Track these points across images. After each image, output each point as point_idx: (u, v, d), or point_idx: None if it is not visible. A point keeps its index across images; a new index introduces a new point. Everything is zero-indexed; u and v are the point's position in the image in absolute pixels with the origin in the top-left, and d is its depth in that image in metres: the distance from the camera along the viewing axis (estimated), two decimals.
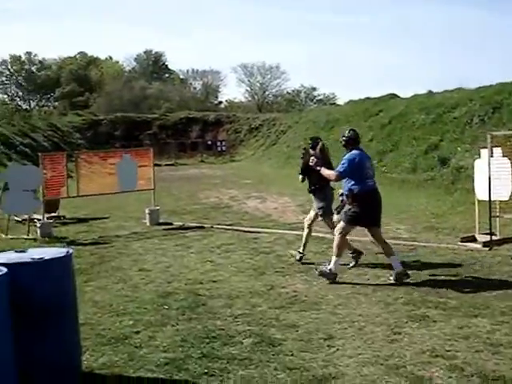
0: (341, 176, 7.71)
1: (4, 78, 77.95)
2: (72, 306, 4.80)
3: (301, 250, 9.06)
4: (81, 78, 73.20)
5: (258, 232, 11.62)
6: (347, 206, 7.64)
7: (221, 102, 77.26)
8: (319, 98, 74.12)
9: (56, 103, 74.60)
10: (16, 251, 4.92)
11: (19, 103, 77.16)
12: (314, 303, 6.78)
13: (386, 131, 24.32)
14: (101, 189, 13.24)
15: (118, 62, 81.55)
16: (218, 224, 12.82)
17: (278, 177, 26.97)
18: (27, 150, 29.95)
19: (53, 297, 4.51)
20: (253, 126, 46.12)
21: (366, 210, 7.51)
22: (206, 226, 12.71)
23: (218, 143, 43.47)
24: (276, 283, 7.73)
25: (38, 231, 11.95)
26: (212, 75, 76.01)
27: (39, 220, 13.74)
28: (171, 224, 13.05)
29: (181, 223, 13.16)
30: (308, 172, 8.73)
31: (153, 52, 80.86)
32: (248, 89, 74.29)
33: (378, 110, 27.65)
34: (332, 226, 8.51)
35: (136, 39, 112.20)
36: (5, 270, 4.15)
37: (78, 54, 79.93)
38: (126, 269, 8.81)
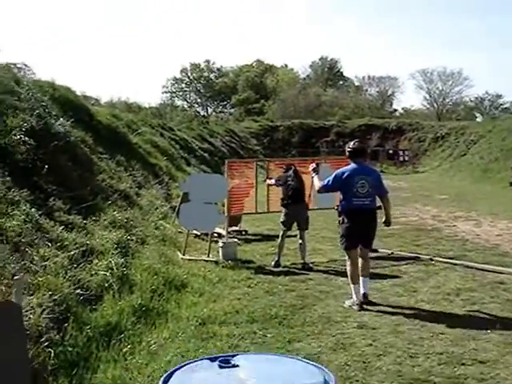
0: (324, 188, 7.44)
1: (184, 85, 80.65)
2: None
3: None
4: (257, 85, 73.78)
5: (501, 272, 8.72)
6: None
7: (396, 110, 74.37)
8: (505, 106, 68.68)
9: (232, 110, 75.79)
10: (222, 362, 2.64)
11: (197, 110, 79.52)
12: None
13: None
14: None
15: (293, 70, 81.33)
16: (438, 255, 10.08)
17: (477, 193, 23.52)
18: (205, 154, 29.13)
19: None
20: (438, 135, 42.48)
21: (351, 229, 7.15)
22: (422, 257, 10.03)
23: (401, 152, 40.43)
24: None
25: (220, 252, 10.06)
26: (389, 82, 73.24)
27: (220, 235, 11.98)
28: (376, 251, 10.55)
29: (389, 251, 10.62)
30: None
31: (328, 59, 79.55)
32: (426, 96, 70.57)
33: None
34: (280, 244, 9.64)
35: (310, 45, 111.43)
36: None
37: (255, 61, 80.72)
38: (339, 321, 6.46)
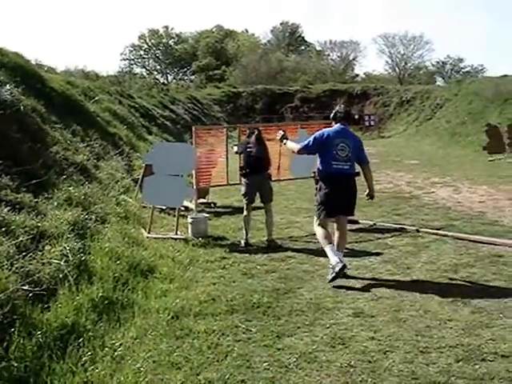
0: (303, 150, 7.06)
1: (142, 52, 78.63)
2: None
3: None
4: (217, 51, 72.40)
5: (495, 244, 8.05)
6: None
7: (358, 75, 73.94)
8: (466, 69, 68.88)
9: (192, 77, 74.19)
10: None
11: (157, 77, 77.60)
12: None
13: None
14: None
15: (254, 35, 79.90)
16: (423, 226, 9.39)
17: (448, 157, 23.04)
18: (167, 122, 27.93)
19: None
20: (404, 99, 41.90)
21: (330, 195, 6.71)
22: (407, 228, 9.32)
23: (366, 117, 39.63)
24: None
25: (190, 228, 9.18)
26: (351, 46, 72.60)
27: (188, 209, 11.08)
28: (357, 222, 9.81)
29: (370, 222, 9.89)
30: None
31: (289, 24, 78.22)
32: (388, 60, 70.29)
33: None
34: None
35: (272, 11, 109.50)
36: None
37: (215, 27, 79.04)
38: (331, 308, 5.67)
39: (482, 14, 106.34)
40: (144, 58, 78.98)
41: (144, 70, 79.14)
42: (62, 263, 5.66)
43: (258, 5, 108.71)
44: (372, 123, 39.32)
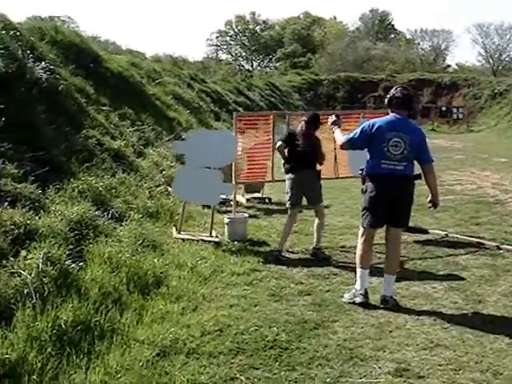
0: (347, 144, 5.73)
1: (228, 38, 78.04)
2: None
3: None
4: (303, 38, 70.92)
5: None
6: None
7: (449, 66, 70.46)
8: None
9: (277, 64, 73.00)
10: None
11: (242, 63, 76.98)
12: None
13: None
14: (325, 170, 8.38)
15: (341, 22, 77.72)
16: (507, 241, 7.74)
17: None
18: (240, 109, 26.81)
19: None
20: (496, 91, 38.95)
21: (376, 200, 5.39)
22: (486, 243, 7.70)
23: (454, 110, 37.17)
24: None
25: (226, 230, 7.97)
26: (442, 35, 69.10)
27: (228, 203, 9.89)
28: (426, 232, 8.27)
29: (442, 232, 8.32)
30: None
31: (379, 11, 75.63)
32: (482, 51, 66.31)
33: None
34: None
35: None
36: None
37: (302, 13, 77.48)
38: (367, 358, 4.27)
39: None
40: (230, 44, 78.56)
41: (230, 56, 78.64)
42: (32, 274, 4.55)
43: None
44: (460, 116, 36.83)
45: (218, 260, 6.76)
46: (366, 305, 5.34)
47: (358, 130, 5.62)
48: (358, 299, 5.41)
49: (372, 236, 5.61)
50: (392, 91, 5.63)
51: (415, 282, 6.02)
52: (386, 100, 5.63)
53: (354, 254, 6.85)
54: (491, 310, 5.24)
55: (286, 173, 7.38)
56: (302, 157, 7.21)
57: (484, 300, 5.49)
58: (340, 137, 5.88)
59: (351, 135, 5.67)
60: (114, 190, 7.77)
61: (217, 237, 7.78)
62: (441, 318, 5.03)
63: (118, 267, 5.47)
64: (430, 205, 5.67)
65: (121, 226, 6.86)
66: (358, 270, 5.56)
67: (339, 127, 6.08)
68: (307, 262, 6.89)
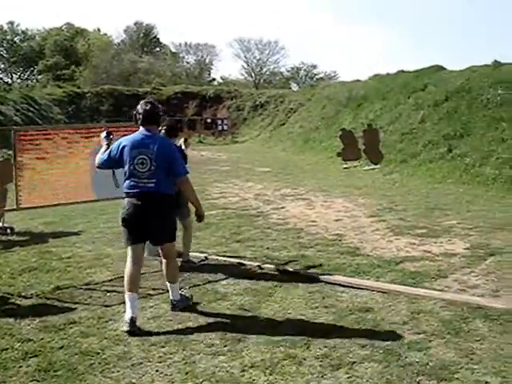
0: (102, 164, 5.55)
1: None
2: None
3: None
4: (67, 49, 67.75)
5: (359, 287, 6.08)
6: None
7: (214, 79, 72.91)
8: (320, 76, 70.31)
9: (39, 76, 68.96)
10: None
11: (0, 76, 71.40)
12: None
13: (443, 110, 18.72)
14: (55, 196, 7.16)
15: (106, 34, 75.84)
16: (269, 258, 7.30)
17: (301, 164, 21.65)
18: None
19: None
20: (257, 103, 40.66)
21: (128, 218, 5.26)
22: (247, 263, 7.17)
23: (219, 121, 37.85)
24: None
25: None
26: (206, 49, 71.21)
27: None
28: (179, 255, 7.54)
29: (201, 255, 7.65)
30: None
31: (144, 24, 75.35)
32: (244, 65, 69.80)
33: (422, 85, 21.87)
34: None
35: (126, 10, 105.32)
36: None
37: (65, 24, 74.16)
38: None
39: (327, 16, 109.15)
40: None
41: None
42: None
43: (111, 3, 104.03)
44: (225, 127, 37.63)
45: None
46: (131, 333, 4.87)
47: (108, 151, 5.47)
48: (125, 327, 5.01)
49: (138, 255, 5.32)
50: (137, 107, 5.39)
51: (165, 329, 5.16)
52: (133, 117, 5.36)
53: (102, 291, 6.01)
54: (252, 350, 4.57)
55: None
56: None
57: (244, 338, 4.80)
58: (100, 155, 5.59)
59: (105, 156, 5.48)
60: None
61: None
62: (193, 369, 4.22)
63: None
64: (196, 219, 5.62)
65: None
66: (126, 294, 5.18)
67: (108, 145, 5.67)
68: (42, 309, 5.68)
